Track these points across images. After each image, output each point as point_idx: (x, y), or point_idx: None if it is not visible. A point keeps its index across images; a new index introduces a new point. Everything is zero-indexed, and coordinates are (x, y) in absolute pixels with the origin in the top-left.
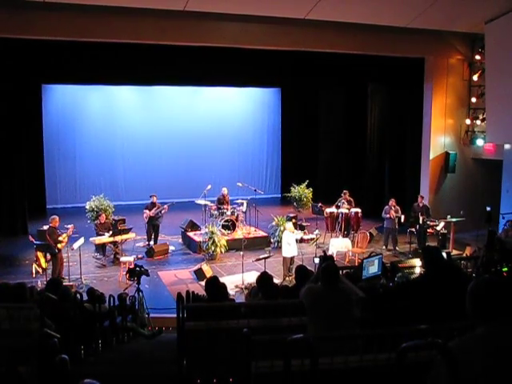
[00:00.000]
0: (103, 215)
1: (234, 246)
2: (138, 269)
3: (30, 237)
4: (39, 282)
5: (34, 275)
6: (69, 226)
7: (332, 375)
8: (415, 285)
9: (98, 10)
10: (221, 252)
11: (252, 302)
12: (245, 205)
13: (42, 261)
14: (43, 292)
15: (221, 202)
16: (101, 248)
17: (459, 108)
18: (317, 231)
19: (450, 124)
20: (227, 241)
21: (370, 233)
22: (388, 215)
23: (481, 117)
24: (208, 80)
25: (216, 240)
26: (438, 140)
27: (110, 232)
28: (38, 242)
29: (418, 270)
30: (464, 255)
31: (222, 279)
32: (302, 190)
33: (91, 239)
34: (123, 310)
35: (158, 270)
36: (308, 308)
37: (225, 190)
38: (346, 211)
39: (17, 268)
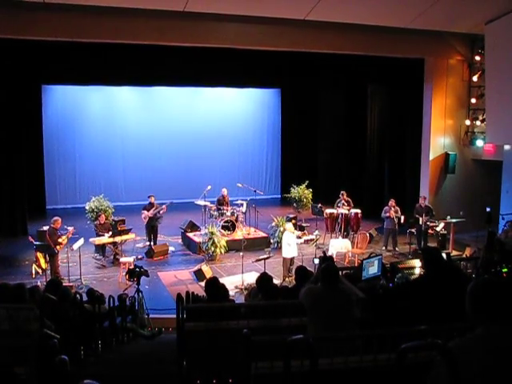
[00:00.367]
0: (103, 216)
1: (233, 246)
2: (137, 269)
3: (30, 237)
4: (39, 283)
5: (33, 276)
6: (69, 228)
7: (332, 376)
8: (415, 285)
9: (98, 10)
10: (220, 253)
11: (252, 302)
12: (244, 205)
13: (42, 261)
14: (43, 292)
15: (221, 202)
16: (100, 249)
17: (459, 109)
18: (316, 232)
19: (450, 125)
20: (227, 241)
21: (370, 233)
22: (388, 214)
23: (480, 117)
24: (208, 81)
25: (216, 241)
26: (438, 141)
27: (110, 233)
28: (37, 243)
29: (417, 271)
30: (464, 256)
31: (221, 280)
32: (301, 191)
33: (91, 240)
34: (123, 311)
35: (157, 270)
36: (308, 309)
37: (224, 191)
38: (346, 212)
39: (16, 268)
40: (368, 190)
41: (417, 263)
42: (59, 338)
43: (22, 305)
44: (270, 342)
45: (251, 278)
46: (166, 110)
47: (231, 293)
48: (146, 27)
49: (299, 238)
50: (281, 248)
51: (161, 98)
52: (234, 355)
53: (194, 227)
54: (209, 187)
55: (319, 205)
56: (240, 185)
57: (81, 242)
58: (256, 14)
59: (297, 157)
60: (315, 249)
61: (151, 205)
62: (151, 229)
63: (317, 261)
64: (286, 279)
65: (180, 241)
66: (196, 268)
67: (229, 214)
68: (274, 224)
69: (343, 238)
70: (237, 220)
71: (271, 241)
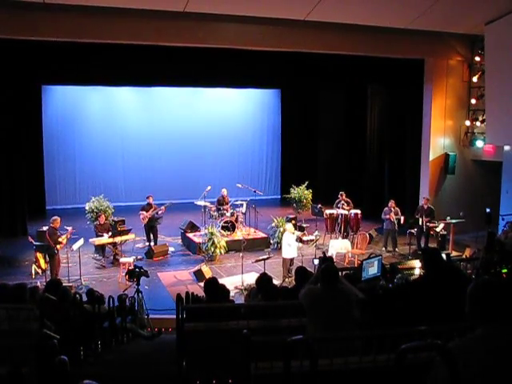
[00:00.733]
0: (103, 216)
1: (233, 247)
2: (137, 270)
3: (30, 238)
4: (39, 283)
5: (33, 276)
6: (68, 227)
7: (331, 376)
8: (415, 286)
9: (98, 11)
10: (220, 253)
11: (251, 303)
12: (244, 206)
13: (42, 262)
14: (43, 293)
15: (220, 203)
16: (100, 249)
17: (459, 109)
18: (316, 232)
19: (450, 125)
20: (227, 242)
21: (370, 234)
22: (387, 216)
23: (480, 118)
24: (208, 81)
25: (216, 241)
26: (438, 141)
27: (110, 233)
28: (37, 243)
29: (417, 272)
30: (463, 256)
31: (221, 280)
32: (301, 192)
33: (91, 240)
34: (123, 311)
35: (157, 271)
36: (307, 309)
37: (224, 191)
38: (346, 212)
39: (16, 269)
40: (368, 190)
41: (416, 264)
42: (59, 338)
43: (22, 305)
44: (269, 342)
45: (251, 278)
46: (166, 111)
47: (231, 293)
48: (146, 27)
49: (300, 240)
50: (280, 248)
51: (161, 99)
52: (233, 355)
53: (193, 228)
54: (209, 188)
55: (319, 205)
56: (240, 185)
57: (80, 242)
58: (256, 15)
59: (297, 157)
60: (315, 249)
61: (149, 205)
62: (150, 229)
63: (316, 261)
64: (286, 280)
65: (180, 241)
66: (196, 268)
67: (229, 214)
68: (273, 224)
69: (343, 238)
70: (236, 220)
71: (271, 241)
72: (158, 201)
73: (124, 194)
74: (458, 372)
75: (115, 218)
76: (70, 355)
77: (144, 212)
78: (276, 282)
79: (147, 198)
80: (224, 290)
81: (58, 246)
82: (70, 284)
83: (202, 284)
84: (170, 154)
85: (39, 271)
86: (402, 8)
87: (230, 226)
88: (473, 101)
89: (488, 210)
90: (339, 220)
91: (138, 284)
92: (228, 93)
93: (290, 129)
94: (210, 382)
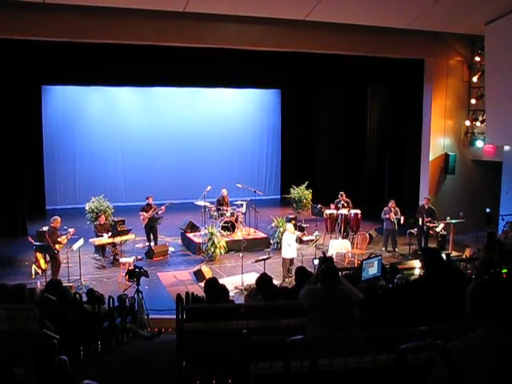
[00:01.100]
0: (103, 216)
1: (233, 247)
2: (137, 270)
3: (30, 238)
4: (38, 283)
5: (33, 276)
6: (70, 229)
7: (331, 376)
8: (415, 286)
9: (98, 11)
10: (220, 253)
11: (251, 303)
12: (244, 206)
13: (42, 262)
14: (43, 293)
15: (220, 203)
16: (100, 249)
17: (459, 109)
18: (316, 232)
19: (450, 125)
20: (227, 242)
21: (370, 234)
22: (387, 216)
23: (480, 118)
24: (208, 81)
25: (215, 241)
26: (438, 141)
27: (110, 233)
28: (37, 243)
29: (417, 272)
30: (463, 257)
31: (221, 280)
32: (301, 192)
33: (91, 240)
34: (123, 311)
35: (157, 271)
36: (307, 309)
37: (224, 191)
38: (346, 212)
39: (16, 269)
40: (368, 190)
41: (416, 264)
42: (59, 338)
43: (22, 305)
44: (269, 342)
45: (251, 278)
46: (166, 111)
47: (231, 293)
48: (146, 27)
49: (300, 240)
50: (280, 249)
51: (161, 99)
52: (233, 355)
53: (193, 228)
54: (209, 188)
55: (319, 205)
56: (240, 185)
57: (80, 242)
58: (256, 15)
59: (297, 157)
60: (315, 249)
61: (149, 206)
62: (150, 229)
63: (316, 261)
64: (286, 280)
65: (180, 241)
66: (196, 268)
67: (228, 214)
68: (273, 225)
69: (343, 238)
70: (236, 220)
71: (271, 241)
72: (158, 201)
73: (124, 194)
74: (458, 372)
75: (115, 218)
76: (70, 355)
77: (144, 213)
78: (276, 282)
79: (147, 198)
80: (224, 290)
81: (57, 246)
82: (70, 284)
83: (201, 284)
84: (169, 154)
85: (39, 271)
86: (402, 8)
87: (229, 226)
88: (473, 101)
89: (488, 210)
90: (339, 220)
91: (138, 284)
92: (228, 93)
93: (289, 129)
94: (210, 382)
